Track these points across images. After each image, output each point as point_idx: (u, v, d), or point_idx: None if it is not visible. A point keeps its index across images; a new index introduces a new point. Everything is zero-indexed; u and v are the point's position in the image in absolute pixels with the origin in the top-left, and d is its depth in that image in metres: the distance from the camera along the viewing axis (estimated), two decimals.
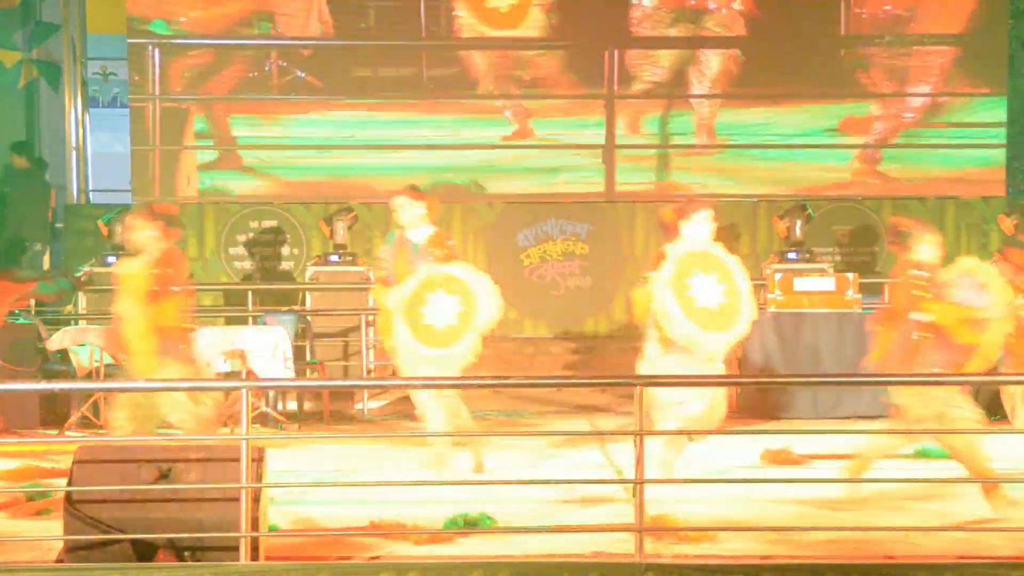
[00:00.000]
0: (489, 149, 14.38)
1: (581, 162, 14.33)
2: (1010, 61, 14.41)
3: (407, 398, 11.67)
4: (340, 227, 12.79)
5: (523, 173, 14.32)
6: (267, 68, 14.41)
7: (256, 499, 5.73)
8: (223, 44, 14.41)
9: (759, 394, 10.97)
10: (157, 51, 14.22)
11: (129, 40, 14.23)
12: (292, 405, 11.05)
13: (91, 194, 14.88)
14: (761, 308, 11.61)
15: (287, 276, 14.05)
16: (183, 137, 14.30)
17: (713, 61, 14.30)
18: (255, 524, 5.71)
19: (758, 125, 14.41)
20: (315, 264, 12.83)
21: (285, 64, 14.46)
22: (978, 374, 8.13)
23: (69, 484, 5.77)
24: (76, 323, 11.67)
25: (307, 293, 12.83)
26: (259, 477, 5.80)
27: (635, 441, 5.84)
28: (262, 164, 14.32)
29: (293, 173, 14.28)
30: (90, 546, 5.69)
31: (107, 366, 10.70)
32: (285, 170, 14.29)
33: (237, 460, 5.73)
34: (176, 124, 14.25)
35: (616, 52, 14.30)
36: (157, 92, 14.22)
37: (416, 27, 14.40)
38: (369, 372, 12.01)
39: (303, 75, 14.48)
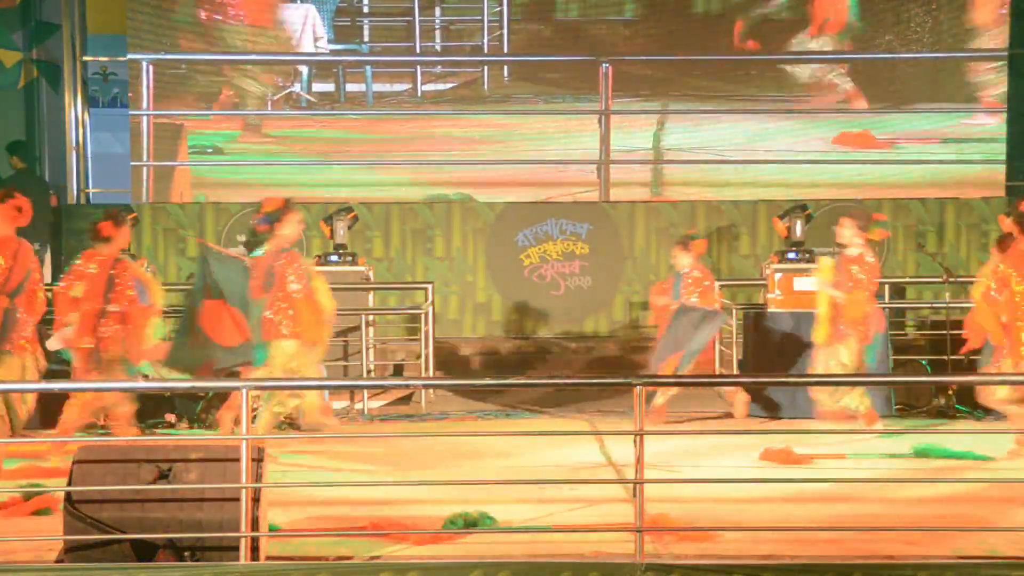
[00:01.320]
0: (482, 164, 14.45)
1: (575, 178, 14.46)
2: (1010, 61, 14.41)
3: (407, 398, 11.77)
4: (340, 227, 12.79)
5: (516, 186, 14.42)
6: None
7: (256, 499, 5.73)
8: (217, 60, 14.43)
9: (759, 394, 10.97)
10: (151, 67, 14.26)
11: (129, 56, 14.27)
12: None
13: (91, 194, 14.93)
14: (761, 308, 11.65)
15: None
16: (177, 152, 14.35)
17: None
18: (255, 524, 5.71)
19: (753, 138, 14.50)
20: (315, 264, 12.82)
21: (279, 80, 14.51)
22: (979, 374, 8.17)
23: (69, 484, 5.77)
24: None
25: None
26: (259, 477, 5.80)
27: (635, 441, 5.84)
28: (256, 179, 14.39)
29: (287, 189, 14.34)
30: (90, 546, 5.69)
31: None
32: (279, 186, 14.36)
33: (237, 460, 5.74)
34: (171, 139, 14.29)
35: (610, 67, 14.35)
36: (151, 107, 14.26)
37: (410, 43, 14.49)
38: (369, 372, 12.01)
39: (298, 90, 14.53)
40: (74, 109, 14.76)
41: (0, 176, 14.29)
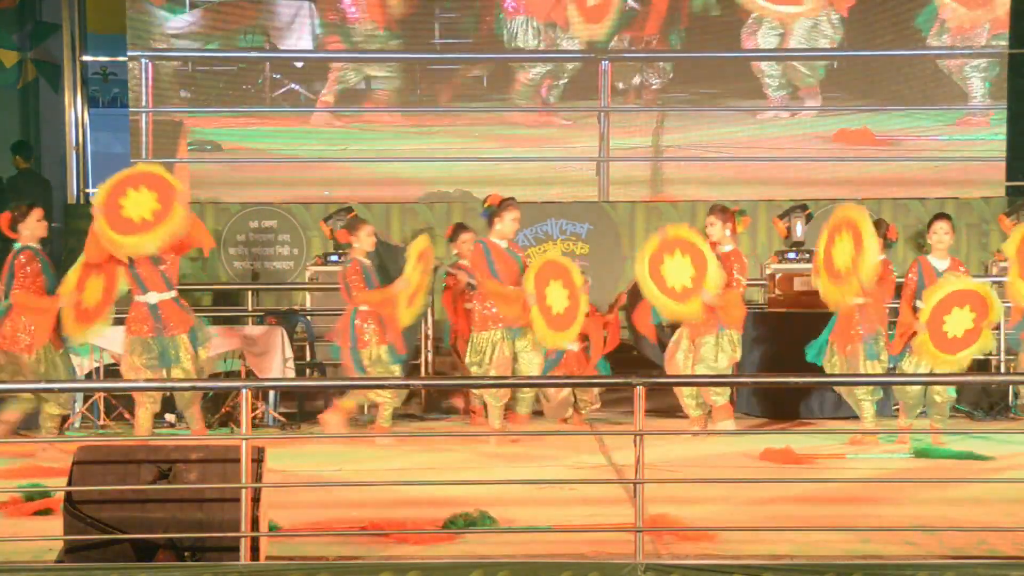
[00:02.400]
0: (481, 162, 14.43)
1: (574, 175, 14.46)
2: (1010, 62, 14.40)
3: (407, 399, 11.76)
4: (339, 227, 12.76)
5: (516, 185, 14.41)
6: (260, 80, 14.46)
7: (256, 499, 5.73)
8: (217, 56, 14.43)
9: (759, 394, 10.99)
10: (149, 64, 14.26)
11: (129, 54, 14.27)
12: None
13: (91, 194, 14.93)
14: (761, 308, 11.65)
15: (286, 276, 14.06)
16: (177, 149, 14.34)
17: None
18: (255, 524, 5.71)
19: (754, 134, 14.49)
20: (315, 264, 12.83)
21: (279, 76, 14.50)
22: (979, 374, 8.15)
23: (69, 484, 5.76)
24: None
25: (307, 293, 12.83)
26: (259, 477, 5.80)
27: (635, 441, 5.84)
28: (255, 177, 14.39)
29: (286, 186, 14.34)
30: (90, 546, 5.69)
31: (106, 366, 10.70)
32: (278, 185, 14.36)
33: (237, 460, 5.74)
34: (170, 136, 14.29)
35: (609, 64, 14.35)
36: (150, 104, 14.26)
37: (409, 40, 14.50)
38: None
39: (296, 87, 14.52)
40: (74, 109, 14.77)
41: (1, 176, 14.30)
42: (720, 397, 9.99)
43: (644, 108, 14.51)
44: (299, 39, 14.49)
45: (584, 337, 10.61)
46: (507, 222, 9.95)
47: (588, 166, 14.41)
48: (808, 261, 12.19)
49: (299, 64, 14.61)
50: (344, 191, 14.16)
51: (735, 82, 14.52)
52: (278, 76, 14.54)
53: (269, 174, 14.48)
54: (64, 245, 14.28)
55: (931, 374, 9.39)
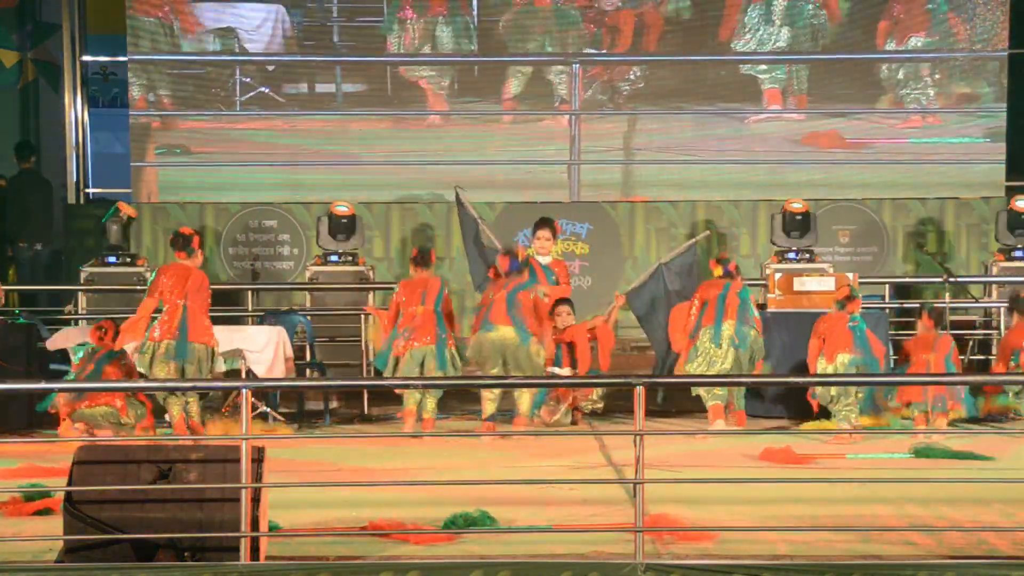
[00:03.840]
0: (454, 165, 14.39)
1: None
2: (1010, 61, 14.41)
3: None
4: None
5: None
6: (231, 83, 14.45)
7: (256, 499, 5.73)
8: (194, 59, 14.44)
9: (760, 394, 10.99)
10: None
11: (129, 56, 14.29)
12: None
13: (91, 194, 14.94)
14: (761, 308, 11.65)
15: (286, 276, 14.06)
16: (147, 150, 14.37)
17: None
18: (255, 524, 5.71)
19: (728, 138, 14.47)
20: (315, 264, 12.83)
21: (249, 79, 14.50)
22: (978, 374, 8.16)
23: (69, 484, 5.77)
24: (76, 323, 11.68)
25: (307, 293, 12.84)
26: (259, 477, 5.80)
27: (635, 441, 5.84)
28: (224, 179, 14.41)
29: (257, 190, 14.35)
30: (90, 546, 5.69)
31: None
32: (247, 188, 14.37)
33: (237, 460, 5.74)
34: (142, 137, 14.34)
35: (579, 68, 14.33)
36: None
37: (380, 43, 14.46)
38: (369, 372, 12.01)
39: (267, 90, 14.52)
40: (74, 109, 14.77)
41: (4, 176, 14.30)
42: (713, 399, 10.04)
43: (615, 112, 14.47)
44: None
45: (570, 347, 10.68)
46: (540, 241, 10.82)
47: (560, 168, 14.42)
48: (808, 261, 12.22)
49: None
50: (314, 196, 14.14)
51: (708, 84, 14.53)
52: (248, 79, 14.52)
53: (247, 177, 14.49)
54: (64, 246, 14.29)
55: (931, 374, 9.40)
